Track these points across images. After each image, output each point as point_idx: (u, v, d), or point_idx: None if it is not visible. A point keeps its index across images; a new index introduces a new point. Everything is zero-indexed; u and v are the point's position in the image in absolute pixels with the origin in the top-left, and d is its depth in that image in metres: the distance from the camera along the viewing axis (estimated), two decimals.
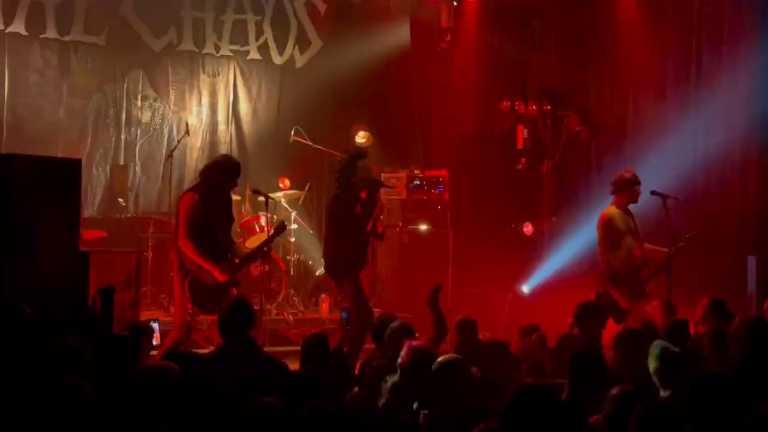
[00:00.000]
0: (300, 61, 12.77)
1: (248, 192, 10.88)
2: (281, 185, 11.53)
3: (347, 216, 8.38)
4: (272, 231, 8.54)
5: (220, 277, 7.77)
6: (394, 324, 6.40)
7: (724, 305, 7.32)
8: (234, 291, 7.90)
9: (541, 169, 12.35)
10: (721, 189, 11.41)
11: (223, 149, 12.25)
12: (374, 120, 12.43)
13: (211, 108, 12.35)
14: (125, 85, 11.83)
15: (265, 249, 8.24)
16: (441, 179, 11.73)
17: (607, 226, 8.85)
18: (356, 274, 8.42)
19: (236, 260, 8.07)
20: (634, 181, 8.88)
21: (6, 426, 4.80)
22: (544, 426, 3.89)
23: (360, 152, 8.96)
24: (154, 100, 12.03)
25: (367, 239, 8.43)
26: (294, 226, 11.31)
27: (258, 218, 10.83)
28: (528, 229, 11.69)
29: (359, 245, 8.42)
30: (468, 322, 7.33)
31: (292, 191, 11.60)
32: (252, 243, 9.79)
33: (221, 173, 7.98)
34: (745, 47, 10.97)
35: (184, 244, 7.74)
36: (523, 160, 12.44)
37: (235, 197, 9.09)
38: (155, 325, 7.56)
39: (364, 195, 8.48)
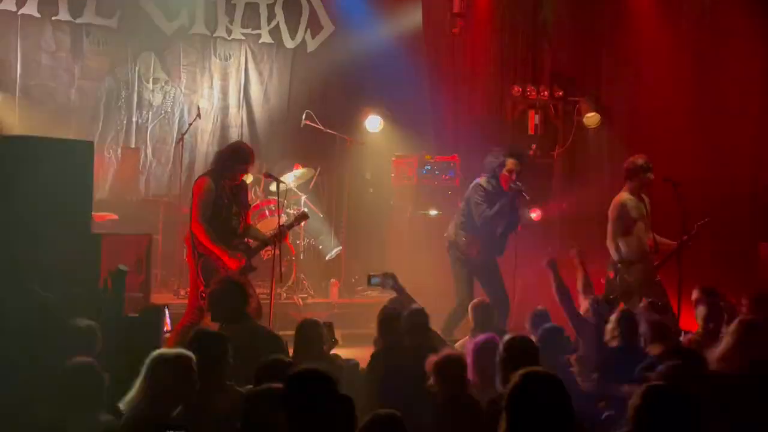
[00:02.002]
0: (311, 44, 12.75)
1: (261, 176, 10.88)
2: (295, 171, 11.53)
3: None
4: (293, 219, 8.61)
5: (230, 264, 7.79)
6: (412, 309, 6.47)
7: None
8: (247, 275, 7.94)
9: (553, 155, 12.34)
10: (732, 176, 11.40)
11: (234, 132, 12.27)
12: (385, 104, 12.42)
13: (222, 91, 12.35)
14: (137, 68, 11.83)
15: (281, 234, 8.28)
16: (452, 164, 11.72)
17: (619, 213, 8.83)
18: None
19: (250, 245, 8.11)
20: (647, 168, 8.86)
21: (19, 405, 4.84)
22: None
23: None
24: (166, 83, 12.03)
25: None
26: (305, 209, 11.32)
27: (269, 202, 10.84)
28: (537, 214, 11.67)
29: None
30: (485, 306, 7.39)
31: (303, 170, 11.53)
32: (263, 227, 9.79)
33: (235, 158, 8.00)
34: (758, 31, 10.94)
35: (196, 227, 7.79)
36: (535, 145, 12.41)
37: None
38: (166, 311, 7.57)
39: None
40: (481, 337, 5.94)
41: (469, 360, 5.60)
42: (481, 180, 9.03)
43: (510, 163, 8.86)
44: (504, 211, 8.86)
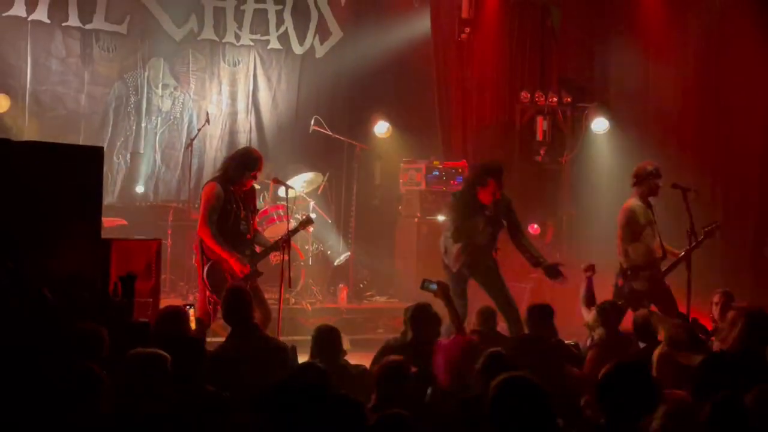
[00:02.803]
0: (320, 50, 12.77)
1: (269, 182, 10.89)
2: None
3: None
4: (298, 223, 8.61)
5: (238, 269, 7.81)
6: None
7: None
8: (255, 280, 7.96)
9: (561, 161, 12.33)
10: (741, 181, 11.39)
11: (243, 138, 12.30)
12: (394, 110, 12.43)
13: (231, 97, 12.37)
14: (146, 74, 11.87)
15: (286, 239, 8.28)
16: (460, 170, 11.73)
17: (627, 219, 8.81)
18: None
19: (257, 250, 8.13)
20: (655, 174, 8.84)
21: (24, 410, 4.85)
22: None
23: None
24: (175, 89, 12.07)
25: None
26: (313, 215, 11.33)
27: (277, 207, 10.85)
28: (533, 229, 11.61)
29: None
30: (489, 311, 7.39)
31: (311, 174, 11.55)
32: (271, 232, 9.81)
33: (244, 164, 8.03)
34: (766, 37, 10.93)
35: (203, 232, 7.82)
36: (543, 151, 12.41)
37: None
38: (190, 310, 7.55)
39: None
40: (457, 337, 5.99)
41: (441, 359, 5.65)
42: (457, 191, 8.97)
43: (490, 181, 8.53)
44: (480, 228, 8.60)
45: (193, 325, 7.62)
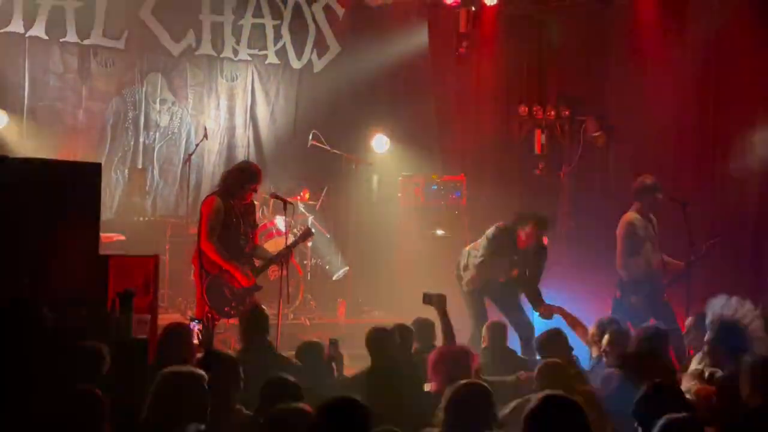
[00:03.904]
0: (318, 65, 12.77)
1: (268, 196, 10.88)
2: (306, 195, 11.56)
3: None
4: (298, 236, 8.62)
5: (242, 280, 7.83)
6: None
7: None
8: (253, 296, 7.96)
9: (559, 175, 12.34)
10: (740, 194, 11.36)
11: (241, 153, 12.29)
12: (392, 125, 12.43)
13: (229, 112, 12.37)
14: (144, 89, 11.87)
15: (286, 253, 8.29)
16: (459, 184, 11.72)
17: (627, 232, 8.82)
18: None
19: (257, 264, 8.13)
20: (655, 188, 8.85)
21: (21, 428, 4.82)
22: None
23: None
24: (173, 104, 12.06)
25: None
26: (311, 229, 11.31)
27: (275, 222, 10.84)
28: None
29: None
30: (498, 326, 7.37)
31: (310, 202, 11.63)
32: (270, 247, 9.80)
33: (243, 178, 8.04)
34: (765, 51, 10.93)
35: (206, 246, 7.83)
36: (541, 165, 12.42)
37: None
38: (194, 325, 7.51)
39: None
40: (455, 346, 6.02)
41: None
42: (501, 225, 8.91)
43: (531, 228, 8.61)
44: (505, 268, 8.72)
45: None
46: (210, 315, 7.84)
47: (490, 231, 8.79)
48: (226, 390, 5.05)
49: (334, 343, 6.77)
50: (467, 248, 9.06)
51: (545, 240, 9.97)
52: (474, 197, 11.77)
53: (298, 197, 11.42)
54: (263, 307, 6.90)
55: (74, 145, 11.30)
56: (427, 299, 7.16)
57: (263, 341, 6.47)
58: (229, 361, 5.30)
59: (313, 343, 6.62)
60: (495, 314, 8.82)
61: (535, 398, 3.94)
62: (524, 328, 8.54)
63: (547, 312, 8.58)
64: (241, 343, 6.64)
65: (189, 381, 4.73)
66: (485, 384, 4.75)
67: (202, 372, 4.83)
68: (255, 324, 6.51)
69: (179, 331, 6.38)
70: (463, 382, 4.73)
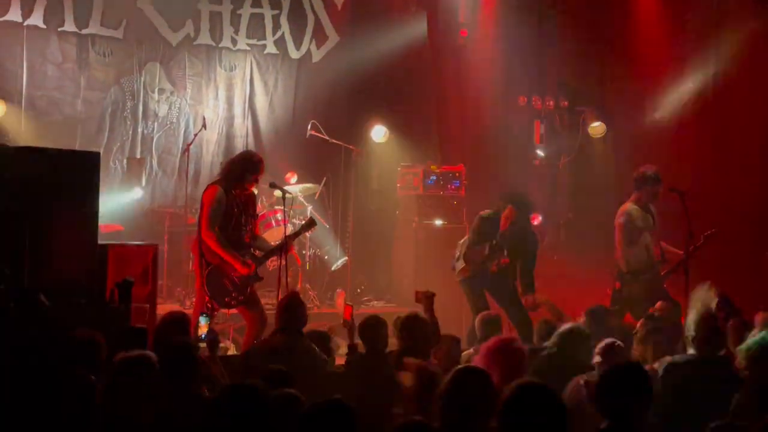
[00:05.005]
0: (317, 55, 12.75)
1: (267, 186, 10.87)
2: (292, 180, 11.53)
3: None
4: (301, 226, 8.62)
5: (242, 269, 7.83)
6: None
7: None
8: (253, 286, 7.97)
9: (558, 165, 12.33)
10: (739, 184, 11.38)
11: (239, 143, 12.27)
12: (391, 115, 12.42)
13: (227, 102, 12.34)
14: (142, 79, 11.84)
15: (287, 243, 8.29)
16: (458, 174, 11.71)
17: (625, 223, 8.82)
18: None
19: (257, 253, 8.13)
20: (655, 179, 8.84)
21: (20, 417, 4.83)
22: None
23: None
24: (171, 94, 12.03)
25: None
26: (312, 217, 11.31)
27: (275, 212, 10.83)
28: (536, 220, 11.61)
29: None
30: (491, 319, 7.37)
31: (309, 185, 11.59)
32: (269, 237, 9.79)
33: (246, 167, 8.03)
34: (766, 40, 10.93)
35: (207, 235, 7.82)
36: (540, 155, 12.40)
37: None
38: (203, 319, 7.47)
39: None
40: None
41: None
42: (484, 213, 8.95)
43: (508, 209, 8.64)
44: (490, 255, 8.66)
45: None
46: (210, 305, 7.83)
47: (474, 221, 8.84)
48: (180, 375, 5.10)
49: (324, 336, 6.80)
50: (463, 240, 9.06)
51: (535, 219, 9.97)
52: (473, 187, 11.75)
53: (292, 180, 11.42)
54: (299, 298, 6.92)
55: (72, 134, 11.27)
56: (417, 297, 7.19)
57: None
58: (182, 347, 5.32)
59: (320, 332, 6.64)
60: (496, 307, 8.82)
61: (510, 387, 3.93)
62: (521, 323, 8.51)
63: (532, 303, 8.54)
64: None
65: (137, 363, 4.83)
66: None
67: (150, 354, 4.95)
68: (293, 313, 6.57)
69: (178, 319, 6.38)
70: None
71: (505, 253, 8.55)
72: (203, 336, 6.56)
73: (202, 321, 6.74)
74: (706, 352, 5.93)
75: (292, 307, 6.60)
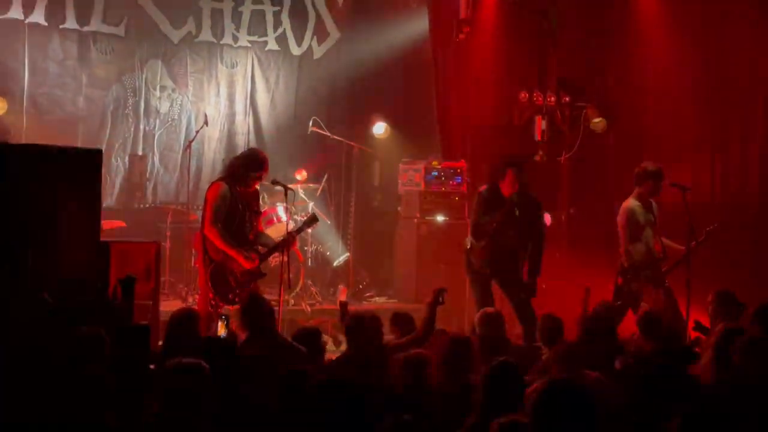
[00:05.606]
0: (318, 51, 12.75)
1: (269, 182, 10.87)
2: (298, 177, 11.54)
3: None
4: (303, 222, 8.64)
5: (246, 264, 7.85)
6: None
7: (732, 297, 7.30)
8: (256, 283, 7.99)
9: (560, 161, 12.32)
10: (741, 180, 11.38)
11: (241, 140, 12.28)
12: (392, 111, 12.44)
13: (229, 98, 12.35)
14: (144, 76, 11.85)
15: (290, 239, 8.30)
16: (459, 170, 11.71)
17: (627, 219, 8.82)
18: None
19: (261, 250, 8.15)
20: (657, 175, 8.84)
21: (26, 413, 4.84)
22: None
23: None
24: (173, 91, 12.05)
25: None
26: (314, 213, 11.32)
27: (276, 209, 10.84)
28: (547, 218, 11.61)
29: None
30: (493, 316, 7.36)
31: (311, 184, 11.63)
32: (271, 233, 9.80)
33: (250, 165, 8.06)
34: (766, 37, 10.93)
35: (210, 231, 7.85)
36: (542, 151, 12.38)
37: None
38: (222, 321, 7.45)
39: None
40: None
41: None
42: (482, 189, 8.96)
43: (509, 174, 8.68)
44: (503, 220, 8.62)
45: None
46: (214, 302, 7.85)
47: (473, 201, 8.91)
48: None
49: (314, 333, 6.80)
50: (467, 238, 9.05)
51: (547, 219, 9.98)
52: (474, 183, 11.74)
53: (298, 177, 11.43)
54: (260, 296, 6.91)
55: (74, 132, 11.28)
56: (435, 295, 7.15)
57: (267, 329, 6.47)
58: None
59: (310, 329, 6.64)
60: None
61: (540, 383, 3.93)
62: (527, 321, 8.48)
63: (532, 292, 8.63)
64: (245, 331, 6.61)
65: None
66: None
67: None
68: (258, 313, 6.51)
69: (188, 316, 6.39)
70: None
71: (517, 213, 8.59)
72: (222, 337, 6.56)
73: (221, 322, 6.75)
74: None
75: (254, 308, 6.59)
